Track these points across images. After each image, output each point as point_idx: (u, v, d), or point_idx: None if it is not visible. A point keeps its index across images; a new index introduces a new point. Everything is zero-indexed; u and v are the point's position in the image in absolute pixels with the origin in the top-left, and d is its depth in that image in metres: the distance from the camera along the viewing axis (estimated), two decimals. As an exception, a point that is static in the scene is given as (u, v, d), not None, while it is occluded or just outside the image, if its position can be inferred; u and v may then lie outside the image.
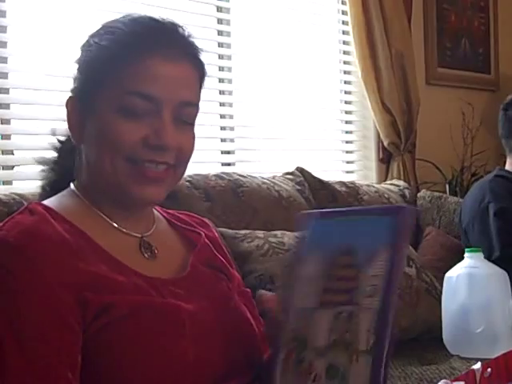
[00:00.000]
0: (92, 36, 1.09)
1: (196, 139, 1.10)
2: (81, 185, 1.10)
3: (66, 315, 0.94)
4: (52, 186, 1.16)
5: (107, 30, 1.07)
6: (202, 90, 1.13)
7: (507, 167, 2.48)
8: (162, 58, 1.03)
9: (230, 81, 2.84)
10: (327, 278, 0.98)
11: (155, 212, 1.17)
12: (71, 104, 1.09)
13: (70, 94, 1.11)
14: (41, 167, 1.19)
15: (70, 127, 1.10)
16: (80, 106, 1.08)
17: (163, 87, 1.03)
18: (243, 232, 2.01)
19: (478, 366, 1.30)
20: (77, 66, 1.10)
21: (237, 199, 2.22)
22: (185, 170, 1.11)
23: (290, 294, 0.99)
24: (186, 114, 1.07)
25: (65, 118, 1.10)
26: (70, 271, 0.96)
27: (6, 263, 0.94)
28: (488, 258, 2.12)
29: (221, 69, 2.82)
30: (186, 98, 1.06)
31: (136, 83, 1.02)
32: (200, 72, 1.10)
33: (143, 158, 1.03)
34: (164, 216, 1.21)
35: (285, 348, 0.97)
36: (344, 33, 3.22)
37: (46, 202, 1.07)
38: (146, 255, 1.09)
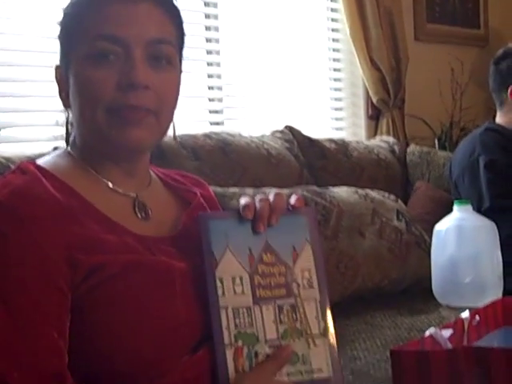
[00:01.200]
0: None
1: (182, 88, 1.09)
2: (75, 146, 1.10)
3: (54, 276, 0.93)
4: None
5: None
6: (186, 32, 1.12)
7: (497, 120, 2.48)
8: (124, 1, 1.03)
9: (217, 40, 2.82)
10: (256, 275, 1.02)
11: (151, 173, 1.17)
12: (58, 72, 1.10)
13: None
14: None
15: (59, 95, 1.10)
16: (63, 70, 1.08)
17: (126, 27, 1.02)
18: (232, 190, 2.01)
19: (466, 314, 1.32)
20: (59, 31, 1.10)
21: (225, 158, 2.22)
22: (169, 119, 1.09)
23: (214, 296, 1.00)
24: (160, 52, 1.05)
25: (52, 79, 1.11)
26: (60, 232, 0.95)
27: None
28: (478, 209, 2.13)
29: (207, 28, 2.80)
30: (155, 35, 1.05)
31: (99, 28, 1.02)
32: (168, 10, 1.09)
33: (120, 103, 1.02)
34: (159, 176, 1.20)
35: (231, 347, 0.99)
36: (332, -10, 3.20)
37: (39, 162, 1.07)
38: (139, 215, 1.09)
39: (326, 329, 1.03)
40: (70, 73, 1.05)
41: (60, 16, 1.09)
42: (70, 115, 1.10)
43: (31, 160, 1.09)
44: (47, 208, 0.96)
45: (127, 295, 0.97)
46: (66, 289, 0.94)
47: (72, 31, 1.05)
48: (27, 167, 1.03)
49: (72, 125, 1.11)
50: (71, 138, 1.12)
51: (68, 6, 1.08)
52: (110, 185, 1.08)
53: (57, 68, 1.10)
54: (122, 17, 1.02)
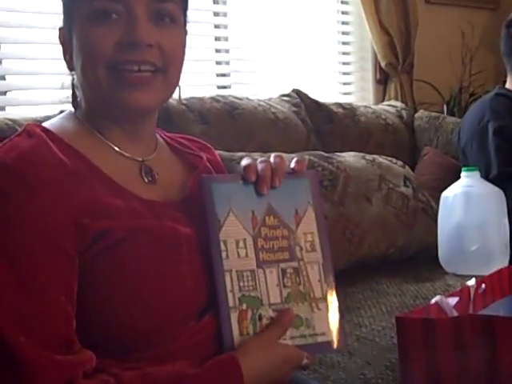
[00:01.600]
0: None
1: (189, 52, 1.08)
2: (81, 108, 1.08)
3: (61, 241, 0.93)
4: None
5: None
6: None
7: (507, 85, 2.45)
8: None
9: (224, 2, 2.78)
10: (259, 238, 1.02)
11: (158, 137, 1.16)
12: (62, 34, 1.08)
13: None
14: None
15: (64, 57, 1.08)
16: (66, 31, 1.06)
17: None
18: (239, 154, 2.00)
19: (472, 282, 1.32)
20: None
21: (233, 121, 2.21)
22: (177, 77, 1.07)
23: (218, 259, 1.00)
24: (163, 10, 1.03)
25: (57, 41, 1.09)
26: (67, 196, 0.95)
27: (3, 186, 0.92)
28: (486, 176, 2.12)
29: (214, -10, 2.76)
30: None
31: None
32: None
33: (121, 60, 1.00)
34: (165, 140, 1.19)
35: (235, 310, 0.99)
36: (341, -49, 3.15)
37: (45, 124, 1.05)
38: (146, 179, 1.08)
39: (329, 292, 1.03)
40: (73, 33, 1.04)
41: None
42: (75, 78, 1.09)
43: (37, 122, 1.08)
44: (54, 172, 0.96)
45: (133, 260, 0.96)
46: (74, 253, 0.94)
47: None
48: (34, 130, 1.01)
49: (77, 87, 1.10)
50: (78, 101, 1.10)
51: None
52: (116, 148, 1.07)
53: (60, 29, 1.08)
54: None
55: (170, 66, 1.04)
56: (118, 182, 1.02)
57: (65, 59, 1.08)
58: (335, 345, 1.03)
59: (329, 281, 1.04)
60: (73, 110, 1.10)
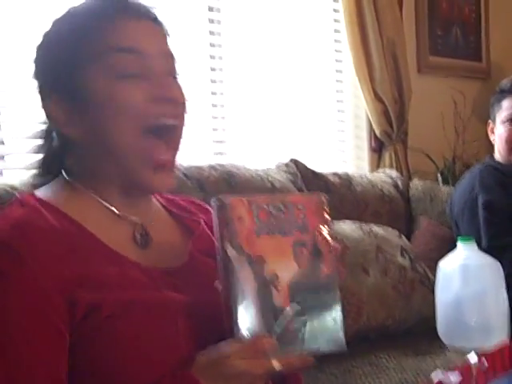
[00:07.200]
0: (53, 25, 1.08)
1: (187, 124, 1.11)
2: (76, 172, 1.07)
3: (52, 316, 0.92)
4: (44, 169, 1.13)
5: (67, 14, 1.07)
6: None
7: (496, 155, 2.48)
8: (128, 17, 1.04)
9: (220, 69, 2.81)
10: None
11: (152, 199, 1.15)
12: (54, 100, 1.05)
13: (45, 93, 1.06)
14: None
15: (57, 124, 1.06)
16: (65, 95, 1.04)
17: (144, 39, 1.03)
18: (238, 223, 1.99)
19: (474, 359, 1.31)
20: (43, 57, 1.07)
21: (230, 190, 2.21)
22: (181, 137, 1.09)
23: None
24: (171, 66, 1.07)
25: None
26: (59, 267, 0.93)
27: None
28: (478, 246, 2.13)
29: (212, 57, 2.80)
30: (167, 49, 1.07)
31: (119, 40, 1.02)
32: (163, 28, 1.10)
33: (157, 112, 1.01)
34: (162, 203, 1.18)
35: None
36: (336, 21, 3.20)
37: (37, 193, 1.05)
38: (142, 243, 1.07)
39: None
40: (89, 95, 1.02)
41: (63, 29, 1.06)
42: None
43: (33, 189, 1.07)
44: (48, 241, 0.95)
45: (127, 337, 0.94)
46: (64, 329, 0.93)
47: (84, 45, 1.02)
48: (26, 200, 1.01)
49: (61, 149, 1.08)
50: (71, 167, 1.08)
51: (75, 21, 1.05)
52: (116, 211, 1.05)
53: (45, 101, 1.05)
54: (137, 31, 1.03)
55: (182, 120, 1.07)
56: (114, 247, 1.01)
57: (57, 123, 1.05)
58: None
59: None
60: (65, 175, 1.08)
